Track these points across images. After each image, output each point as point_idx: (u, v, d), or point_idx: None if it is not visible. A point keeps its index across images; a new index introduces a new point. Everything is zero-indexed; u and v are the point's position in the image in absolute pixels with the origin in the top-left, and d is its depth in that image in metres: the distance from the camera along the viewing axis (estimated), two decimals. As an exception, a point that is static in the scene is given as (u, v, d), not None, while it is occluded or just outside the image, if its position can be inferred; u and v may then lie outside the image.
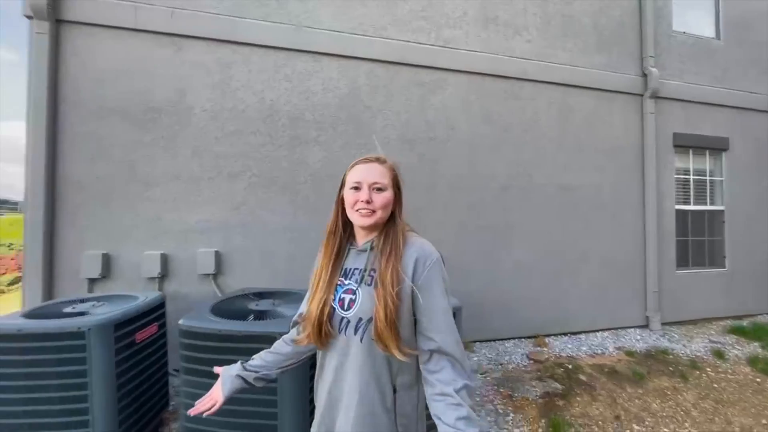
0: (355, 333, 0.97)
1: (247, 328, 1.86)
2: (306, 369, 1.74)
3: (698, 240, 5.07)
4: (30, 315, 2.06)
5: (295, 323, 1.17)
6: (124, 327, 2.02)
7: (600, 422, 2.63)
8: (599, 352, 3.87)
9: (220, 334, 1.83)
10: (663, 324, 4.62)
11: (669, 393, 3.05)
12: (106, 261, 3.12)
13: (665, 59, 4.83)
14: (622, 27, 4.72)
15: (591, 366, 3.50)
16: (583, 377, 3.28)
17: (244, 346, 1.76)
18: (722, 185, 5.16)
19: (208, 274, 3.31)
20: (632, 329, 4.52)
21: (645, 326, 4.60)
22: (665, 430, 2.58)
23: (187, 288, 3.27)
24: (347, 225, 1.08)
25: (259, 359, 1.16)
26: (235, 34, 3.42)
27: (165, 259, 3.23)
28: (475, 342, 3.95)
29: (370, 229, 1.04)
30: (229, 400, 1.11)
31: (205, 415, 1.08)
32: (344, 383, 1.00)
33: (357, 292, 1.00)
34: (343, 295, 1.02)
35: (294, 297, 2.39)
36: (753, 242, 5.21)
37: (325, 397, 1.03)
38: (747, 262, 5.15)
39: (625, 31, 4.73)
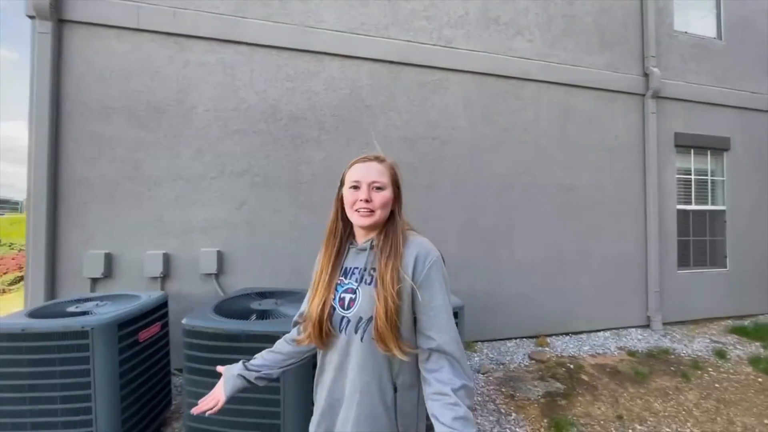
0: (356, 332, 0.97)
1: (250, 327, 1.86)
2: (309, 368, 1.73)
3: (700, 240, 5.06)
4: (34, 314, 2.06)
5: (296, 323, 1.18)
6: (127, 326, 2.02)
7: (602, 422, 2.63)
8: (601, 351, 3.87)
9: (223, 334, 1.83)
10: (664, 324, 4.62)
11: (671, 393, 3.05)
12: (109, 260, 3.12)
13: (667, 59, 4.83)
14: (623, 27, 4.72)
15: (593, 366, 3.50)
16: (584, 377, 3.28)
17: (246, 346, 1.77)
18: (723, 185, 5.16)
19: (210, 274, 3.31)
20: (634, 329, 4.52)
21: (646, 326, 4.60)
22: (667, 429, 2.57)
23: (189, 287, 3.27)
24: (347, 224, 1.07)
25: (260, 358, 1.17)
26: (237, 33, 3.42)
27: (167, 259, 3.24)
28: (476, 342, 3.95)
29: (369, 228, 1.03)
30: (233, 400, 1.12)
31: (207, 414, 1.08)
32: (345, 382, 1.00)
33: (357, 291, 1.00)
34: (343, 295, 1.02)
35: (296, 296, 2.39)
36: (754, 242, 5.20)
37: (325, 396, 1.03)
38: (748, 262, 5.15)
39: (627, 31, 4.73)
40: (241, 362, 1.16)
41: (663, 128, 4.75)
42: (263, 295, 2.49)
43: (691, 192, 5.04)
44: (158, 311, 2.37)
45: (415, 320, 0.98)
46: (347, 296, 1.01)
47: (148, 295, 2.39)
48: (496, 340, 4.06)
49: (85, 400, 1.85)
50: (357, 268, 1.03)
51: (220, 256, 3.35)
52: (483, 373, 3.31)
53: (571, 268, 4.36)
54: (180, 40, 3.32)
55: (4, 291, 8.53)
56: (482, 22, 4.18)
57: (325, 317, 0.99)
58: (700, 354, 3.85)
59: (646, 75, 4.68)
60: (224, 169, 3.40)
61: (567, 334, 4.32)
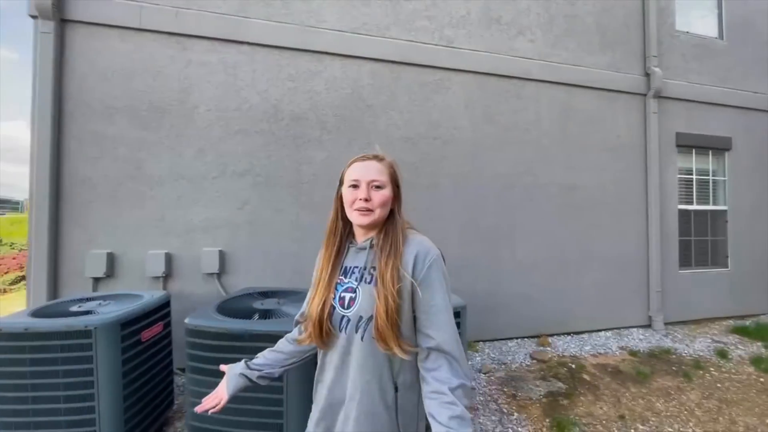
0: (356, 331, 0.97)
1: (253, 327, 1.86)
2: (312, 368, 1.69)
3: (701, 240, 5.06)
4: (37, 314, 2.06)
5: (298, 322, 1.18)
6: (130, 326, 2.03)
7: (604, 421, 2.63)
8: (602, 351, 3.87)
9: (225, 333, 1.83)
10: (666, 324, 4.61)
11: (673, 392, 3.05)
12: (111, 260, 3.12)
13: (668, 59, 4.82)
14: (625, 27, 4.71)
15: (594, 365, 3.50)
16: (586, 377, 3.27)
17: (249, 345, 1.77)
18: (725, 185, 5.15)
19: (212, 274, 3.31)
20: (635, 329, 4.52)
21: (648, 326, 4.60)
22: (669, 429, 2.57)
23: (191, 287, 3.27)
24: (347, 223, 1.07)
25: (262, 358, 1.17)
26: (239, 33, 3.42)
27: (169, 258, 3.24)
28: (478, 341, 3.95)
29: (369, 227, 1.03)
30: (235, 399, 1.12)
31: (210, 412, 1.09)
32: (345, 382, 0.99)
33: (357, 290, 1.00)
34: (343, 294, 1.02)
35: (299, 296, 2.39)
36: (756, 242, 5.20)
37: (326, 395, 1.03)
38: (750, 262, 5.14)
39: (628, 30, 4.72)
40: (243, 361, 1.16)
41: (664, 128, 4.75)
42: (265, 294, 2.49)
43: (692, 192, 5.04)
44: (161, 311, 2.37)
45: (415, 319, 0.98)
46: (347, 295, 1.01)
47: (151, 295, 2.39)
48: (497, 339, 4.06)
49: (87, 399, 1.85)
50: (357, 267, 1.03)
51: (222, 256, 3.35)
52: (485, 373, 3.31)
53: (572, 268, 4.36)
54: (182, 40, 3.32)
55: (5, 290, 8.54)
56: (484, 22, 4.17)
57: (325, 316, 0.99)
58: (701, 354, 3.84)
59: (647, 75, 4.68)
60: (226, 168, 3.41)
61: (568, 333, 4.31)
